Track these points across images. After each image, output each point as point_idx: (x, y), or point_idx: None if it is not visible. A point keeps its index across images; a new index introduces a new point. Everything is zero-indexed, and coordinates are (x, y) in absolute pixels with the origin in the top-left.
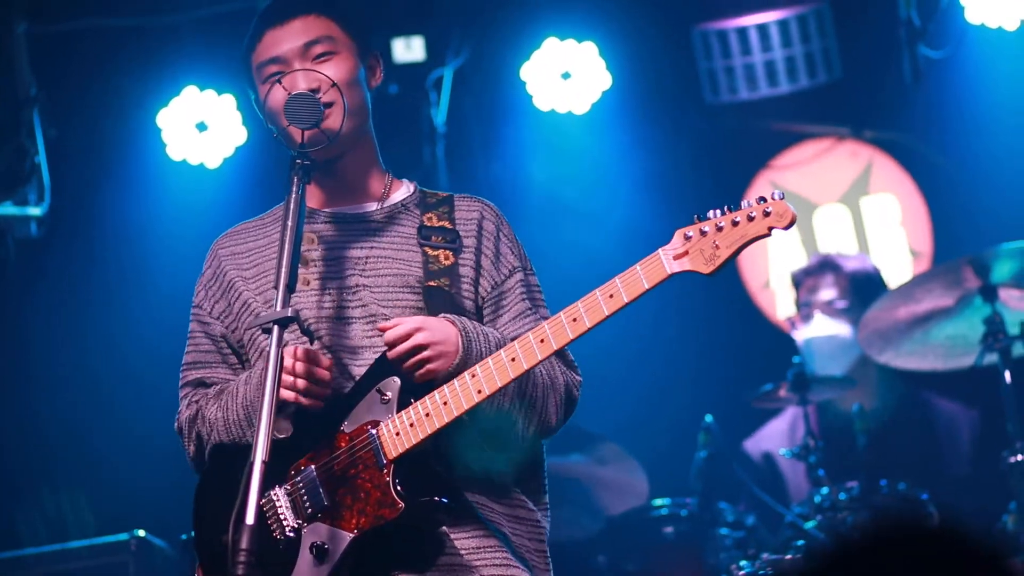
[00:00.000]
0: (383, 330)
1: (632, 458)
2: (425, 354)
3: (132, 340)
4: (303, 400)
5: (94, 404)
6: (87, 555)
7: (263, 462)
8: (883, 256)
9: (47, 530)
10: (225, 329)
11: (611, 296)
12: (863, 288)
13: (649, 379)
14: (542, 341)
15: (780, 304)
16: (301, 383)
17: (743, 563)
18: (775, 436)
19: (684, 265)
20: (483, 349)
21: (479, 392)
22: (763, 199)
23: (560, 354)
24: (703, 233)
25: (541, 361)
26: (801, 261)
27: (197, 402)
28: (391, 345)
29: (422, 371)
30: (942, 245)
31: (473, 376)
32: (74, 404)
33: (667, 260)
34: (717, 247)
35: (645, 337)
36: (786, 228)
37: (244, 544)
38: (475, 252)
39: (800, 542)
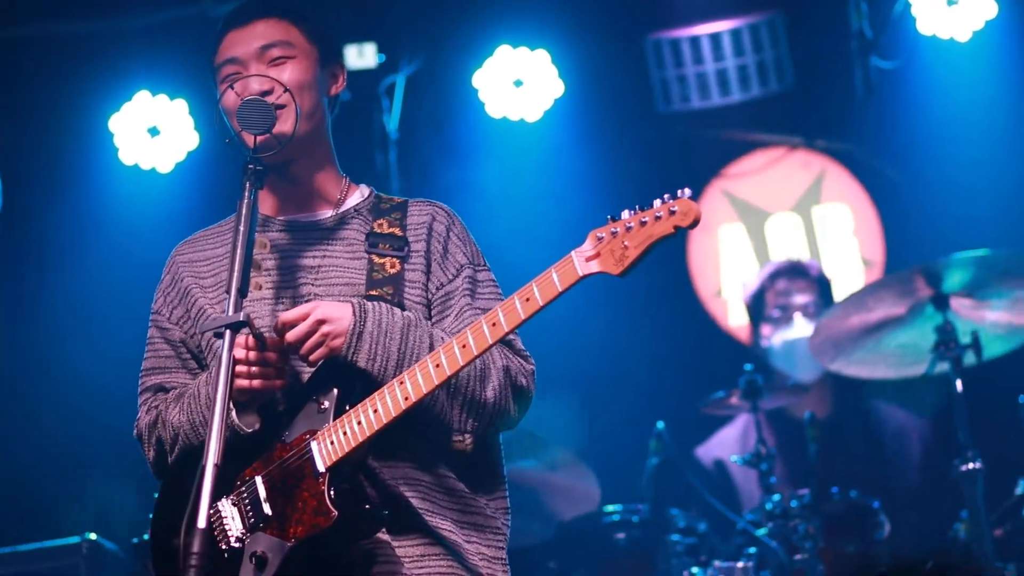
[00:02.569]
0: (282, 322)
1: (584, 464)
2: (324, 329)
3: (84, 343)
4: (255, 384)
5: (45, 408)
6: (38, 558)
7: (215, 465)
8: (835, 265)
9: None
10: (184, 334)
11: (527, 300)
12: (826, 293)
13: (601, 385)
14: (463, 346)
15: (732, 312)
16: (255, 369)
17: (695, 569)
18: (727, 443)
19: (595, 267)
20: (384, 320)
21: (406, 399)
22: (671, 197)
23: (508, 343)
24: (614, 234)
25: (464, 366)
26: (753, 270)
27: (156, 407)
28: (288, 327)
29: (322, 349)
30: (894, 254)
31: (401, 383)
32: (23, 409)
33: (579, 262)
34: (626, 247)
35: (597, 343)
36: (690, 226)
37: (196, 548)
38: (424, 256)
39: (752, 549)
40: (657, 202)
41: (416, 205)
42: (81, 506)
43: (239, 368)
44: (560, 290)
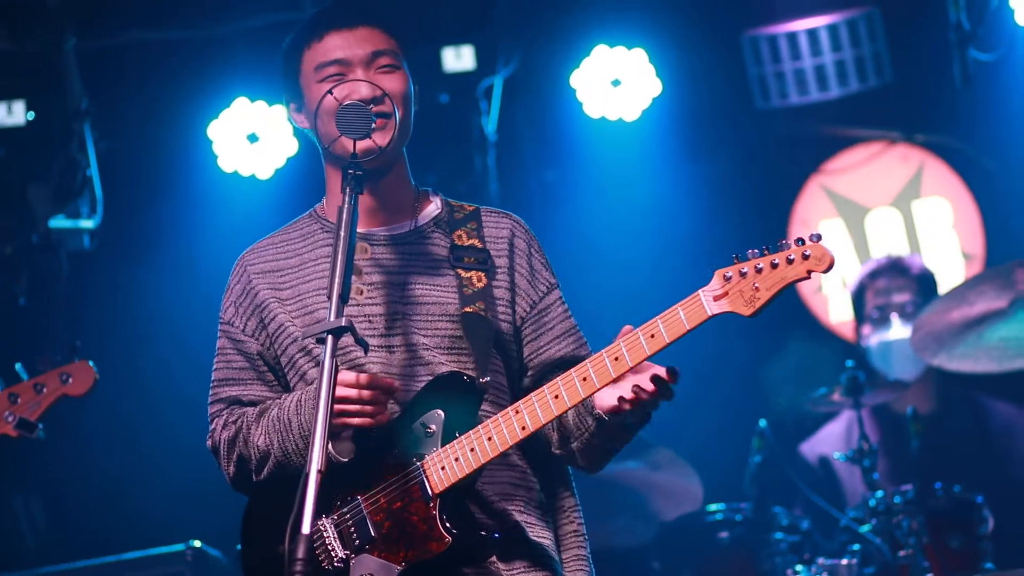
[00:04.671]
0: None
1: (687, 463)
2: None
3: (185, 352)
4: (367, 421)
5: (147, 415)
6: (143, 566)
7: (319, 472)
8: (935, 259)
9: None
10: (260, 347)
11: (652, 336)
12: (928, 290)
13: (703, 384)
14: (584, 379)
15: (833, 308)
16: (368, 408)
17: (799, 567)
18: (831, 439)
19: (724, 307)
20: None
21: (523, 429)
22: (801, 240)
23: None
24: (742, 275)
25: (584, 399)
26: (853, 265)
27: (235, 423)
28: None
29: None
30: (994, 248)
31: (517, 412)
32: (127, 415)
33: (707, 302)
34: (757, 289)
35: (698, 342)
36: (825, 271)
37: (300, 553)
38: (508, 272)
39: (855, 546)
40: (790, 244)
41: (490, 215)
42: (186, 513)
43: (347, 397)
44: (688, 329)
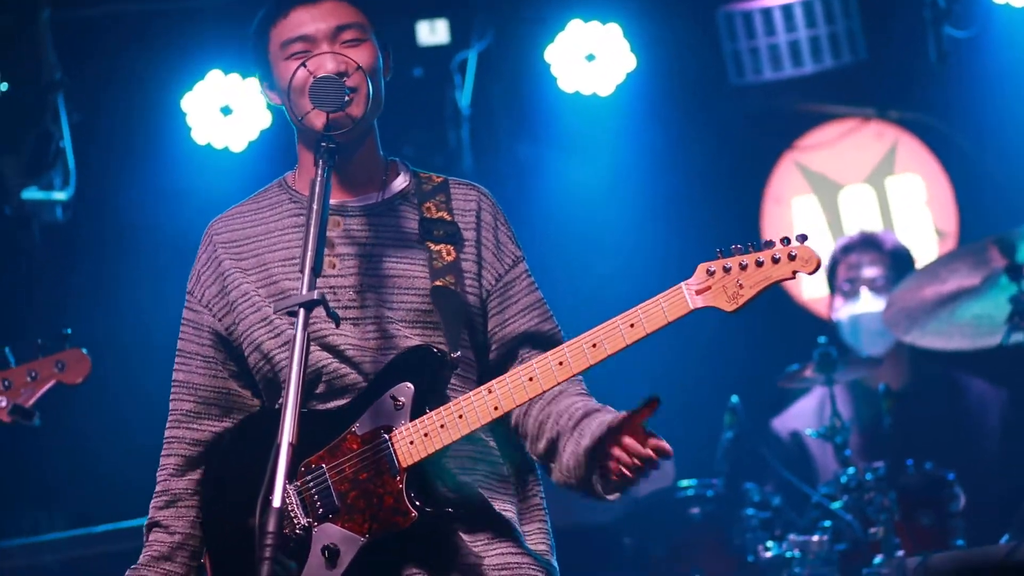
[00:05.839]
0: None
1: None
2: None
3: (159, 323)
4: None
5: (123, 388)
6: (111, 540)
7: (291, 444)
8: (909, 236)
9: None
10: (214, 319)
11: (632, 326)
12: (901, 266)
13: (674, 359)
14: (560, 363)
15: (806, 285)
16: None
17: (770, 543)
18: (803, 415)
19: (707, 301)
20: None
21: (495, 409)
22: (787, 240)
23: None
24: (726, 270)
25: (558, 383)
26: (827, 242)
27: (153, 503)
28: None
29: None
30: (968, 225)
31: (490, 392)
32: (103, 387)
33: (690, 295)
34: (740, 286)
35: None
36: (811, 273)
37: (271, 527)
38: (476, 244)
39: (827, 523)
40: (776, 243)
41: (458, 187)
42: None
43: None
44: (668, 321)
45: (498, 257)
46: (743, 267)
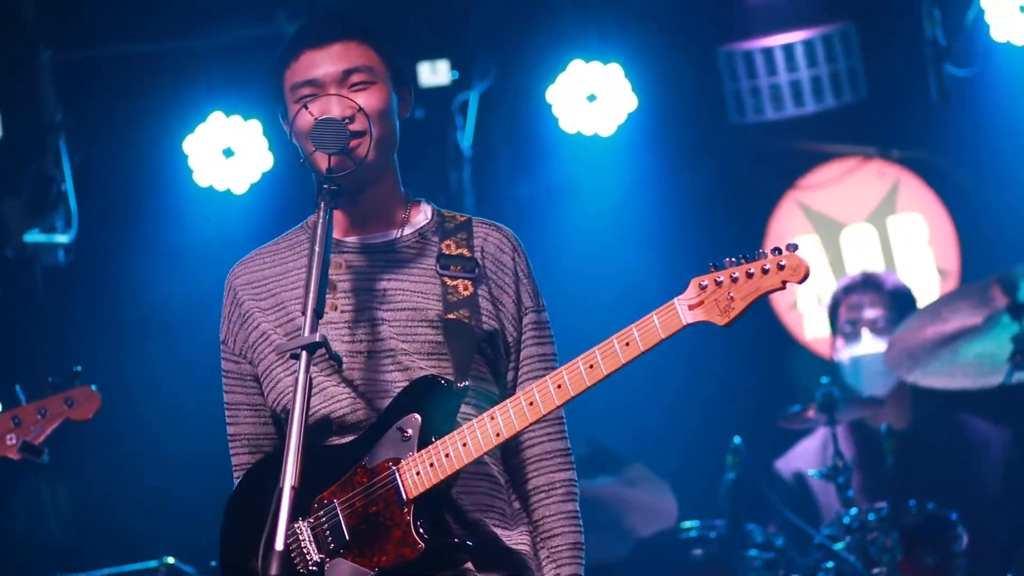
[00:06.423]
0: None
1: (661, 480)
2: None
3: (161, 367)
4: None
5: (122, 430)
6: None
7: (292, 488)
8: (911, 275)
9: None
10: (251, 365)
11: (627, 344)
12: (902, 306)
13: (677, 400)
14: (559, 386)
15: (808, 325)
16: None
17: None
18: (806, 456)
19: (699, 316)
20: None
21: (497, 435)
22: (778, 250)
23: None
24: (718, 283)
25: (558, 406)
26: (829, 282)
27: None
28: None
29: None
30: (969, 264)
31: (492, 419)
32: (102, 431)
33: (682, 310)
34: (732, 299)
35: (673, 358)
36: (800, 282)
37: (274, 570)
38: (494, 284)
39: (830, 563)
40: (766, 254)
41: (481, 226)
42: (159, 529)
43: None
44: (662, 337)
45: (517, 306)
46: (734, 279)
